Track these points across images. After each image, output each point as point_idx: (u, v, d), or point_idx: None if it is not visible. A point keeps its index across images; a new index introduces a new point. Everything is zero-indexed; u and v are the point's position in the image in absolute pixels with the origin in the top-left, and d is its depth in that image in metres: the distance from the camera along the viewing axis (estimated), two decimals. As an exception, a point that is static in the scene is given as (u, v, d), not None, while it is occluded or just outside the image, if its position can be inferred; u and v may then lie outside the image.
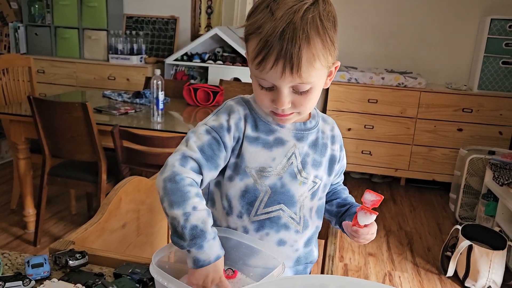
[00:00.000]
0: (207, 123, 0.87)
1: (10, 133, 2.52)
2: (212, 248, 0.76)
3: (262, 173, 0.87)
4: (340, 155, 0.99)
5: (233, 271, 0.82)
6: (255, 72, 0.81)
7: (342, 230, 0.95)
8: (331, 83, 3.70)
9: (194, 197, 0.77)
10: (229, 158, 0.88)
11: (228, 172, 0.88)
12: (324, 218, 1.03)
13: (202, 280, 0.75)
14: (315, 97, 0.84)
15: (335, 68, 0.88)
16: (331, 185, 1.04)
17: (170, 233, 0.77)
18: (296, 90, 0.81)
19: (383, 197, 0.81)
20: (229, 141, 0.85)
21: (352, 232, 0.87)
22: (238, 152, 0.88)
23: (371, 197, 0.81)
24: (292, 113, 0.85)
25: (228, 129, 0.85)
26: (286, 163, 0.88)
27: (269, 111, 0.86)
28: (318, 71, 0.80)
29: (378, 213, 0.83)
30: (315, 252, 1.00)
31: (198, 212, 0.76)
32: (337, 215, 1.02)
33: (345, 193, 1.05)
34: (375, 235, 0.89)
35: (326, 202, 1.03)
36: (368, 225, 0.85)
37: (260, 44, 0.77)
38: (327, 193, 1.03)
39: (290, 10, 0.76)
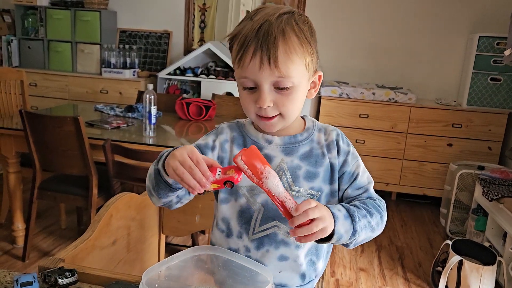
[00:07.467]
0: (197, 142, 0.94)
1: (0, 146, 2.50)
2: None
3: (253, 191, 0.90)
4: (339, 161, 0.94)
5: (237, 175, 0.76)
6: (238, 73, 0.86)
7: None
8: (322, 98, 3.65)
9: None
10: None
11: (222, 196, 0.92)
12: None
13: (172, 164, 0.76)
14: (297, 99, 0.86)
15: (319, 78, 0.91)
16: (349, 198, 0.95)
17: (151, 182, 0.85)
18: (277, 87, 0.84)
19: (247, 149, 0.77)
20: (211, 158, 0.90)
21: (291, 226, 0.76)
22: None
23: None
24: (276, 116, 0.86)
25: (213, 148, 0.93)
26: None
27: (254, 117, 0.88)
28: (297, 67, 0.83)
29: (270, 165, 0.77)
30: (320, 264, 0.95)
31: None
32: None
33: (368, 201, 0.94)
34: (322, 225, 0.76)
35: None
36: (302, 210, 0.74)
37: (240, 42, 0.83)
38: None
39: (267, 14, 0.83)
